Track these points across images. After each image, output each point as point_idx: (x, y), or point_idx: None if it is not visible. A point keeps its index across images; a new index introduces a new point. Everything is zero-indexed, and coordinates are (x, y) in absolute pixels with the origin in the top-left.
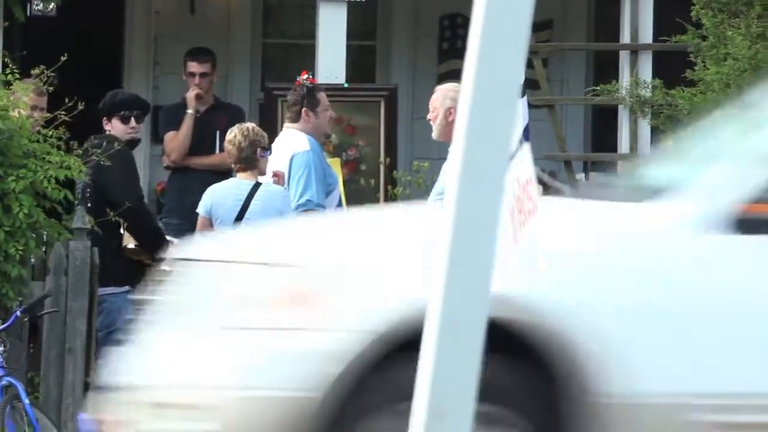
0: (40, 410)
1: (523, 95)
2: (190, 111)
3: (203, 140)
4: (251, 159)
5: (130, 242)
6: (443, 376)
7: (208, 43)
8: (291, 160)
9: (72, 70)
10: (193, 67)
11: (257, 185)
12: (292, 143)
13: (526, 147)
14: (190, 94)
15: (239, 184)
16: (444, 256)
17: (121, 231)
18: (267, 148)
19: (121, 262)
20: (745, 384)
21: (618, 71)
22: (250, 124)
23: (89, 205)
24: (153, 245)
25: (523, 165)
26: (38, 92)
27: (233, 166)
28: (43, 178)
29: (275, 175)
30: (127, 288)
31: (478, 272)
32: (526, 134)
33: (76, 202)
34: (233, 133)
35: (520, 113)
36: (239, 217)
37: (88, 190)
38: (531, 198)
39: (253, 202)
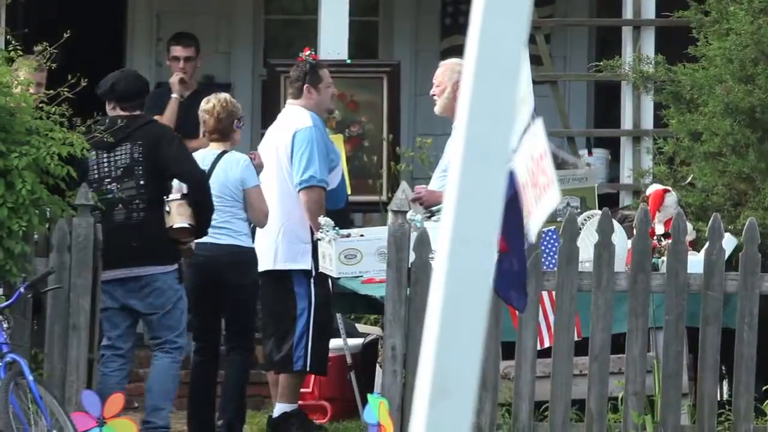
0: (43, 387)
1: None
2: (174, 95)
3: (187, 124)
4: (227, 130)
5: (178, 221)
6: (447, 353)
7: (210, 19)
8: (294, 136)
9: (75, 47)
10: (177, 51)
11: (222, 153)
12: (294, 120)
13: (539, 122)
14: (174, 79)
15: (207, 153)
16: (447, 233)
17: (167, 209)
18: (241, 119)
19: (168, 240)
20: None
21: (621, 47)
22: (226, 95)
23: (141, 182)
24: (207, 225)
25: (536, 140)
26: (36, 67)
27: (207, 135)
28: (46, 154)
29: (251, 155)
30: (176, 266)
31: (482, 249)
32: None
33: (125, 179)
34: (211, 103)
35: (530, 91)
36: None
37: (139, 168)
38: (545, 172)
39: (216, 169)
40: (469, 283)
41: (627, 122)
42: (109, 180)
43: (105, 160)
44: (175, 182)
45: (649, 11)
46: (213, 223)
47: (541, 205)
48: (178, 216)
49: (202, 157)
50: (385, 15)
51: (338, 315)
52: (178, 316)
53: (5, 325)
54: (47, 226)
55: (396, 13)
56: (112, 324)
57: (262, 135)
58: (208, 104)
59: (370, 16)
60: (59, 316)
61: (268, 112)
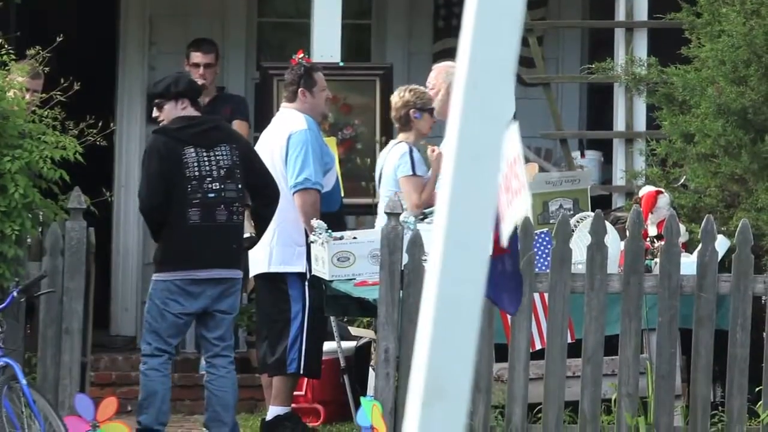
0: (37, 391)
1: None
2: None
3: None
4: (405, 119)
5: (246, 231)
6: (440, 356)
7: (203, 22)
8: (288, 139)
9: (67, 51)
10: (197, 57)
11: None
12: (289, 123)
13: (513, 125)
14: None
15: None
16: (440, 234)
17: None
18: (421, 109)
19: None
20: None
21: (613, 49)
22: (412, 86)
23: (239, 186)
24: (264, 231)
25: (511, 143)
26: (33, 75)
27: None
28: (39, 158)
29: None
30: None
31: (474, 251)
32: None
33: (228, 180)
34: (393, 94)
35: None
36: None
37: (238, 171)
38: (518, 177)
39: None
40: (462, 286)
41: (620, 124)
42: (210, 179)
43: (206, 158)
44: None
45: (642, 13)
46: None
47: (512, 210)
48: (248, 226)
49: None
50: (377, 18)
51: (332, 318)
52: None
53: None
54: (40, 229)
55: (389, 15)
56: (178, 332)
57: (256, 138)
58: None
59: (363, 18)
60: (52, 320)
61: (261, 115)
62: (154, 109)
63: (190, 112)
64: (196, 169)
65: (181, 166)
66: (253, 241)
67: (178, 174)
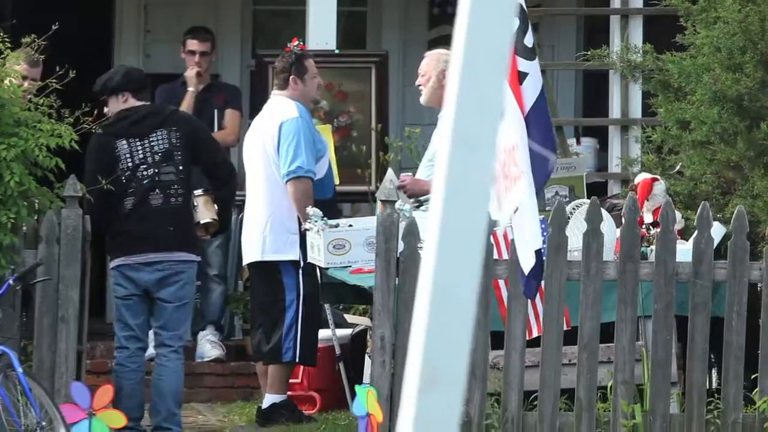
0: (33, 379)
1: (533, 59)
2: (191, 89)
3: (201, 119)
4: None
5: (203, 216)
6: (436, 343)
7: (198, 10)
8: (280, 127)
9: (62, 39)
10: (194, 45)
11: None
12: (280, 111)
13: (517, 114)
14: (190, 73)
15: None
16: (435, 223)
17: (194, 203)
18: None
19: (195, 231)
20: None
21: (609, 36)
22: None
23: (180, 167)
24: (229, 219)
25: (510, 131)
26: (31, 63)
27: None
28: (35, 146)
29: None
30: (199, 259)
31: (470, 240)
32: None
33: (163, 164)
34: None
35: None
36: None
37: (178, 153)
38: (517, 164)
39: None
40: (457, 273)
41: (615, 111)
42: (145, 166)
43: (139, 147)
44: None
45: (637, 0)
46: None
47: (511, 195)
48: (205, 211)
49: None
50: (373, 5)
51: (326, 305)
52: (189, 310)
53: None
54: (36, 217)
55: (384, 3)
56: (133, 312)
57: (249, 126)
58: None
59: (358, 6)
60: (48, 308)
61: (256, 103)
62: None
63: (132, 103)
64: (129, 159)
65: (115, 160)
66: (212, 226)
67: (114, 168)
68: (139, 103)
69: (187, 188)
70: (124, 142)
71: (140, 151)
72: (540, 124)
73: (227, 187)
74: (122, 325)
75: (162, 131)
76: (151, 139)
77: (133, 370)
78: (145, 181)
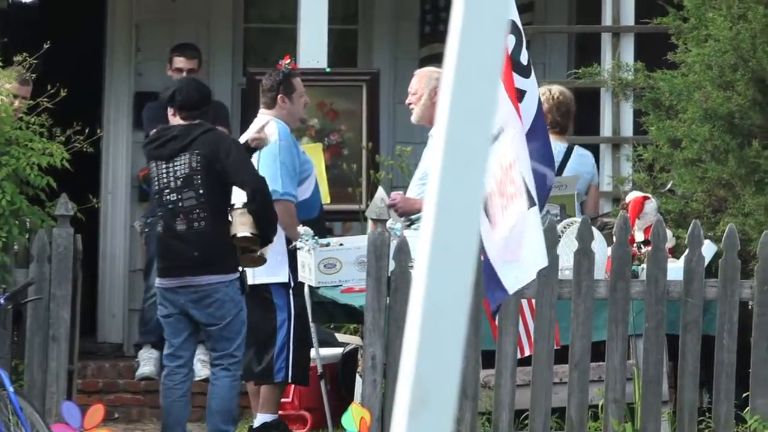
0: (24, 398)
1: (528, 76)
2: None
3: None
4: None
5: (241, 230)
6: (427, 362)
7: (190, 28)
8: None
9: (54, 57)
10: (180, 62)
11: (570, 149)
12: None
13: (513, 131)
14: None
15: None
16: (426, 241)
17: (229, 218)
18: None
19: (232, 250)
20: None
21: (600, 54)
22: (557, 88)
23: (201, 191)
24: (271, 233)
25: (506, 149)
26: (22, 81)
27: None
28: (26, 165)
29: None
30: (236, 276)
31: (461, 258)
32: (541, 124)
33: (185, 189)
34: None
35: (499, 100)
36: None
37: (198, 177)
38: (513, 182)
39: (568, 165)
40: (448, 292)
41: (606, 129)
42: (168, 191)
43: (164, 170)
44: (236, 190)
45: (629, 18)
46: None
47: (507, 214)
48: (240, 225)
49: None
50: (364, 23)
51: (311, 323)
52: (239, 328)
53: None
54: (27, 236)
55: (375, 21)
56: (174, 330)
57: None
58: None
59: (349, 24)
60: (39, 327)
61: (247, 121)
62: None
63: (176, 121)
64: (157, 182)
65: (151, 180)
66: (251, 240)
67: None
68: (180, 122)
69: (212, 210)
70: (154, 164)
71: (164, 176)
72: (538, 141)
73: (256, 202)
74: (166, 343)
75: (185, 155)
76: (175, 163)
77: (170, 388)
78: (169, 206)
